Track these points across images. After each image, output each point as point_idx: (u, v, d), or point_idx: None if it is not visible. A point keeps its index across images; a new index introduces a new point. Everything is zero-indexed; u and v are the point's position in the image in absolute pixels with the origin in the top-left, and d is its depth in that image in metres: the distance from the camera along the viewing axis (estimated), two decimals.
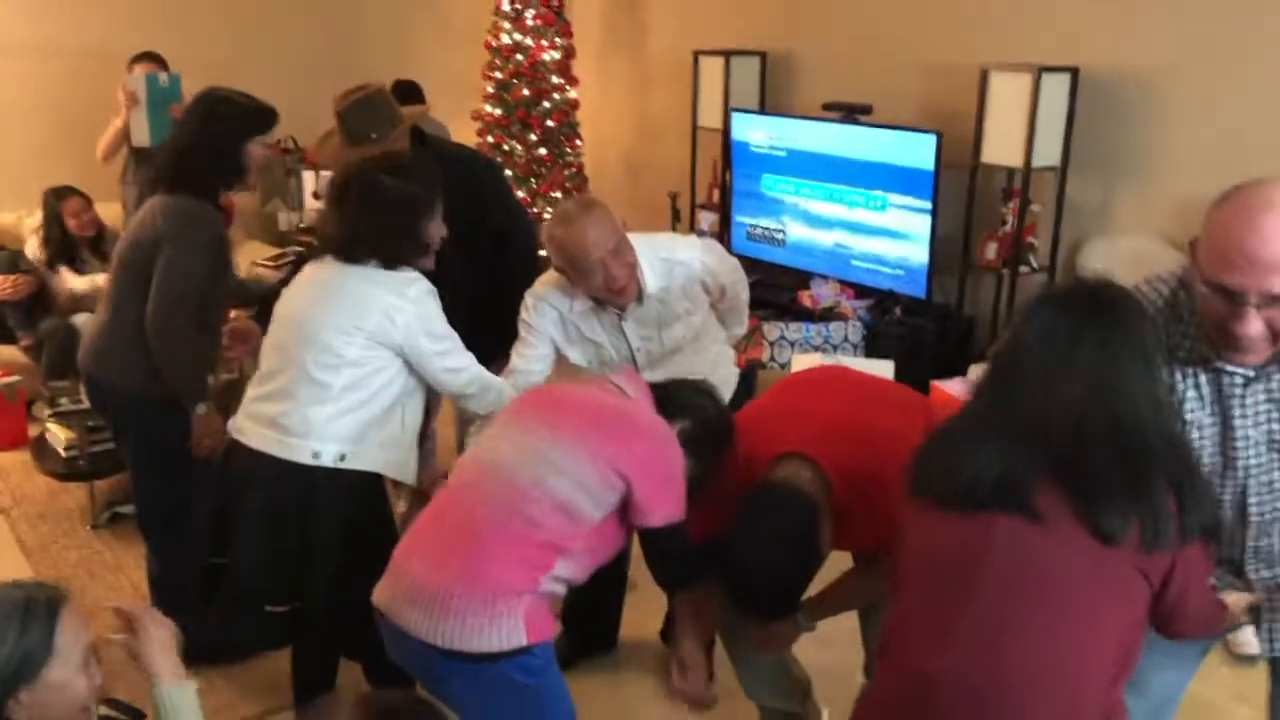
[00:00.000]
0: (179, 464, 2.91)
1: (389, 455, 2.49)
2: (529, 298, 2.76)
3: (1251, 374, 1.69)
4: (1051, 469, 1.54)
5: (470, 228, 3.04)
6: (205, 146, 2.83)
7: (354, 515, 2.45)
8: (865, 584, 2.23)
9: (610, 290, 2.59)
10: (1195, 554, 1.59)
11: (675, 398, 2.16)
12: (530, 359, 2.72)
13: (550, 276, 2.73)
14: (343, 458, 2.41)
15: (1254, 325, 1.56)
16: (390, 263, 2.43)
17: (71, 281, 4.81)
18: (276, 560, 2.48)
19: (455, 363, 2.51)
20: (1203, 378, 1.72)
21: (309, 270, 2.55)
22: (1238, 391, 1.70)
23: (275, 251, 5.21)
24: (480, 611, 1.89)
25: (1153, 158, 4.15)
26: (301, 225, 5.83)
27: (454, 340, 2.51)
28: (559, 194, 6.07)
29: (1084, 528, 1.52)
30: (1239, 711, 2.86)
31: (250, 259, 5.07)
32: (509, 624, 1.90)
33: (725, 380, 2.86)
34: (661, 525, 2.02)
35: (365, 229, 2.42)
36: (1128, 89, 4.17)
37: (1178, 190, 4.01)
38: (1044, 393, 1.56)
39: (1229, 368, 1.69)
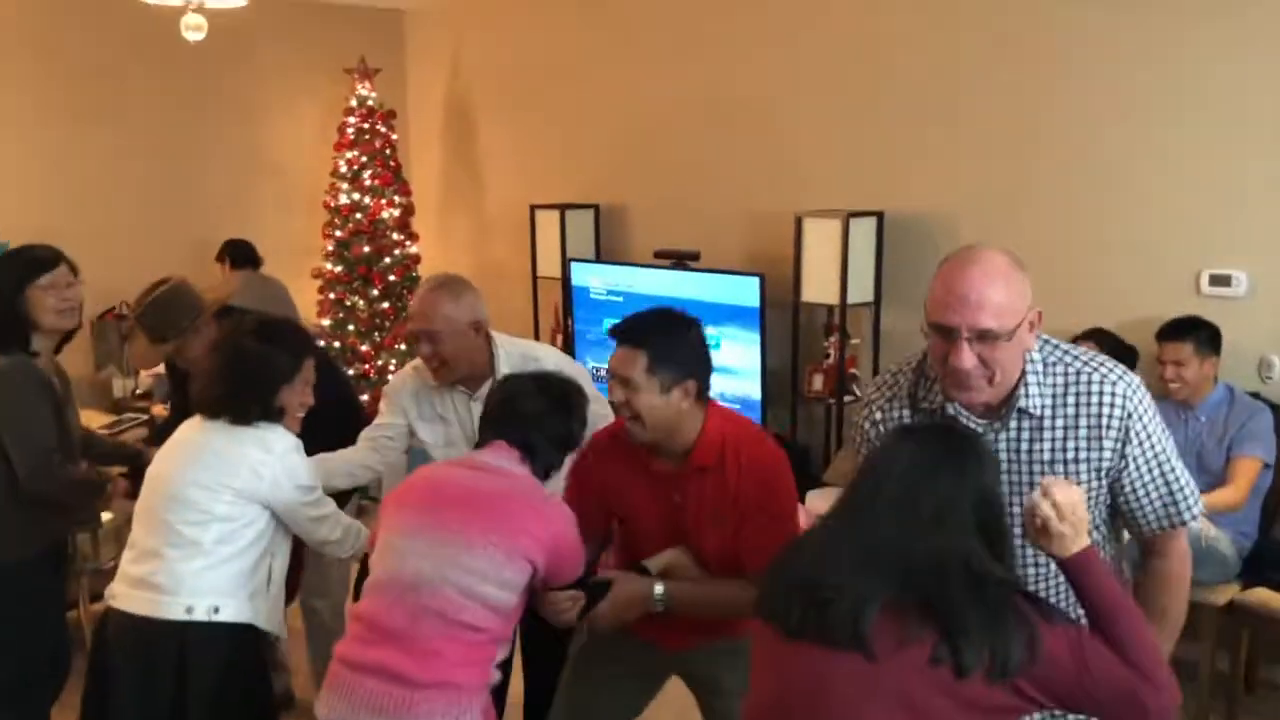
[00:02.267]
0: (19, 636, 2.86)
1: (258, 605, 2.49)
2: (395, 375, 3.00)
3: (979, 427, 1.90)
4: (899, 601, 1.56)
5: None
6: None
7: (230, 666, 2.43)
8: (732, 596, 2.23)
9: (424, 362, 2.83)
10: (1057, 650, 1.59)
11: (532, 440, 2.27)
12: (385, 427, 2.94)
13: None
14: (216, 610, 2.42)
15: (967, 358, 1.79)
16: (239, 420, 2.48)
17: None
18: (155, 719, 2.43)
19: (320, 511, 2.57)
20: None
21: (179, 431, 2.60)
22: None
23: (110, 419, 5.09)
24: (447, 712, 2.05)
25: None
26: (137, 391, 5.72)
27: (319, 491, 2.59)
28: (402, 346, 6.16)
29: (934, 664, 1.53)
30: None
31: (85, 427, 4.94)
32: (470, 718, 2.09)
33: None
34: (570, 581, 2.23)
35: (219, 388, 2.49)
36: (928, 229, 4.58)
37: None
38: (899, 522, 1.61)
39: (962, 414, 1.91)
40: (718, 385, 5.28)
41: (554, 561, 2.16)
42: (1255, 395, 3.73)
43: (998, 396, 1.88)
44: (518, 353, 2.91)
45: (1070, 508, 1.67)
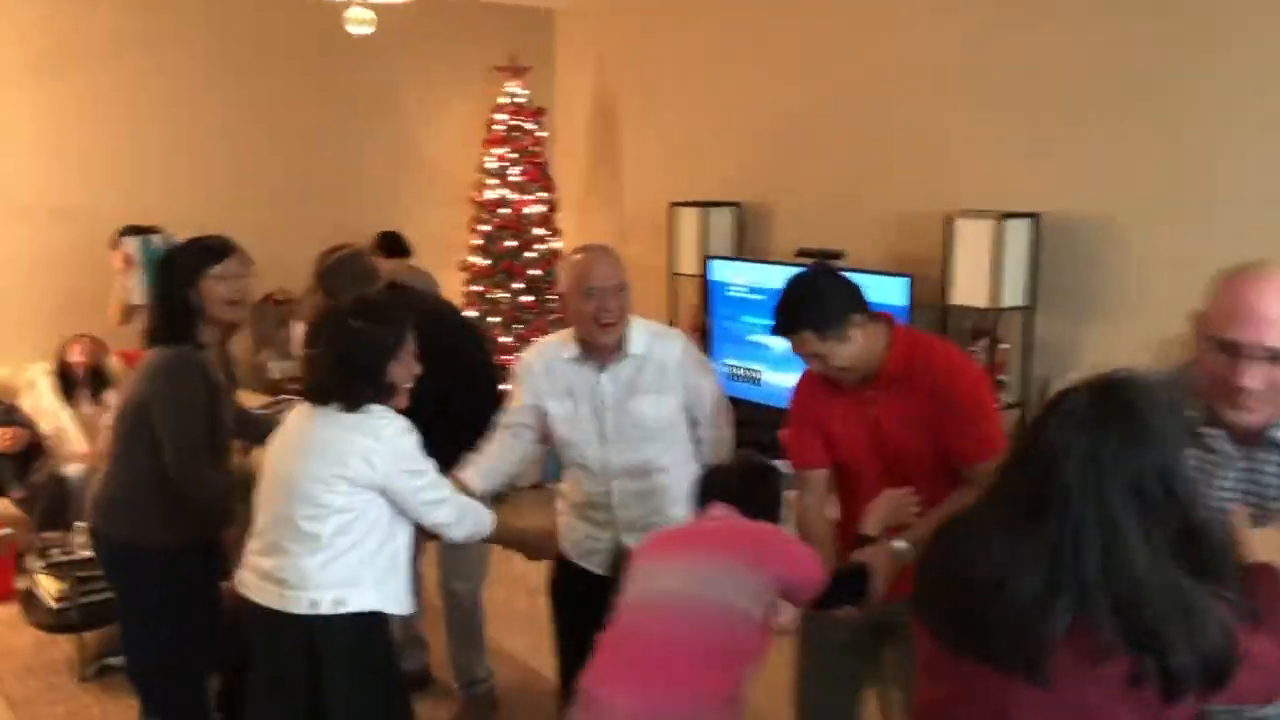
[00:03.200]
0: (175, 615, 2.94)
1: (385, 591, 2.51)
2: (526, 351, 3.03)
3: (1233, 451, 1.80)
4: (1087, 614, 1.40)
5: (429, 378, 3.24)
6: (163, 292, 2.94)
7: (359, 654, 2.47)
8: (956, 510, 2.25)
9: (598, 323, 2.78)
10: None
11: (744, 505, 2.35)
12: (519, 412, 2.94)
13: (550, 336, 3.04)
14: (341, 603, 2.44)
15: (1255, 376, 1.70)
16: (353, 405, 2.46)
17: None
18: (291, 711, 2.47)
19: (434, 495, 2.56)
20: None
21: (289, 421, 2.59)
22: (1212, 468, 1.82)
23: (267, 399, 5.30)
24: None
25: (1117, 297, 4.34)
26: (293, 374, 5.94)
27: (432, 473, 2.56)
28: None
29: (1133, 682, 1.38)
30: None
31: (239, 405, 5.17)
32: None
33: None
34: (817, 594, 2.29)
35: (330, 371, 2.46)
36: (1089, 233, 4.40)
37: (1144, 327, 4.16)
38: (1079, 520, 1.42)
39: (1217, 434, 1.81)
40: None
41: (799, 583, 2.24)
42: None
43: (1266, 421, 1.77)
44: (648, 330, 2.92)
45: None
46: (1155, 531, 1.42)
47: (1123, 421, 1.46)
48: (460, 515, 2.62)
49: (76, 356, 5.13)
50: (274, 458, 2.55)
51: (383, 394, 2.49)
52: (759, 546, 2.23)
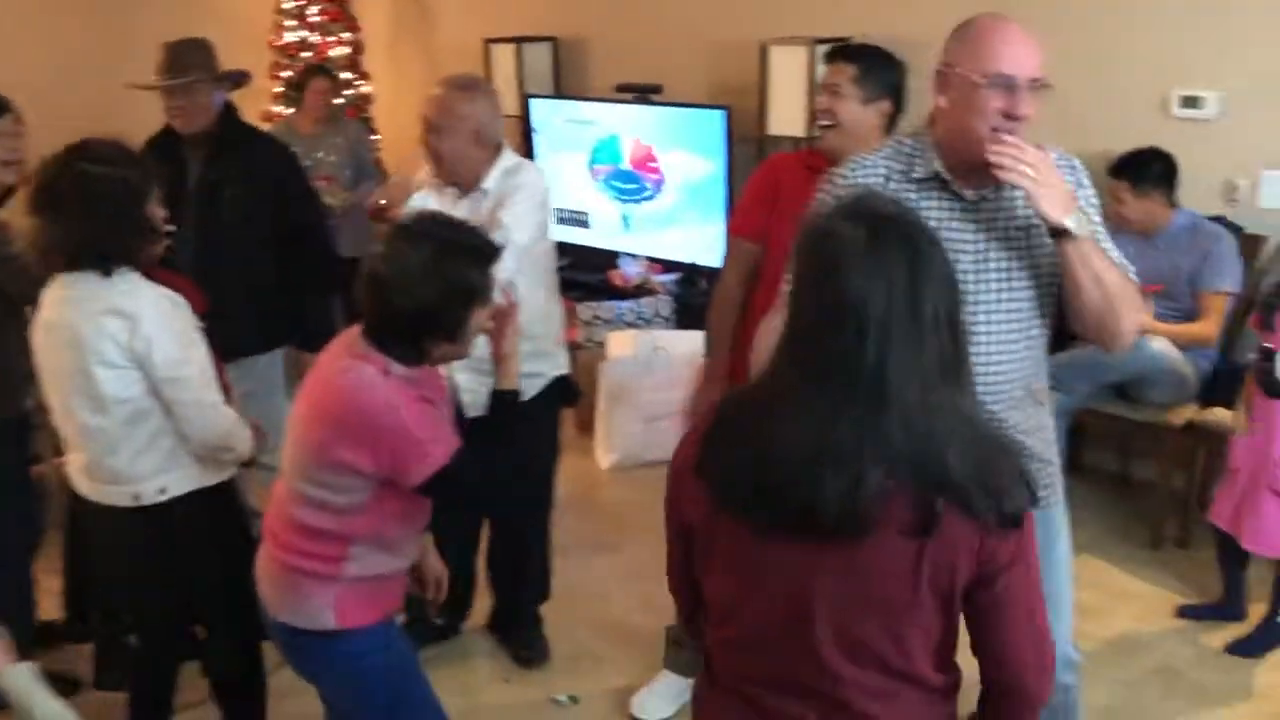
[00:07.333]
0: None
1: (207, 464, 2.35)
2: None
3: (973, 196, 1.86)
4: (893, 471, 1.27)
5: (271, 215, 3.20)
6: None
7: (203, 535, 2.35)
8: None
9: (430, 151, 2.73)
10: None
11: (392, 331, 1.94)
12: None
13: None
14: (163, 490, 2.29)
15: (1031, 105, 1.77)
16: (116, 263, 2.17)
17: None
18: (152, 596, 2.40)
19: (191, 395, 2.24)
20: (938, 197, 1.88)
21: (42, 307, 2.27)
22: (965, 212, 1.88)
23: None
24: (298, 589, 2.02)
25: None
26: None
27: (196, 366, 2.26)
28: None
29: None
30: None
31: None
32: (316, 606, 2.00)
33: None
34: (424, 481, 1.92)
35: (89, 229, 2.14)
36: (904, 56, 4.43)
37: None
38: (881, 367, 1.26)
39: (955, 182, 1.86)
40: (688, 220, 5.14)
41: (378, 460, 1.90)
42: (1220, 220, 3.71)
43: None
44: (503, 167, 2.79)
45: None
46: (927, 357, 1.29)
47: (927, 251, 1.31)
48: (221, 420, 2.31)
49: None
50: (39, 352, 2.30)
51: (147, 241, 2.23)
52: (332, 437, 1.90)
